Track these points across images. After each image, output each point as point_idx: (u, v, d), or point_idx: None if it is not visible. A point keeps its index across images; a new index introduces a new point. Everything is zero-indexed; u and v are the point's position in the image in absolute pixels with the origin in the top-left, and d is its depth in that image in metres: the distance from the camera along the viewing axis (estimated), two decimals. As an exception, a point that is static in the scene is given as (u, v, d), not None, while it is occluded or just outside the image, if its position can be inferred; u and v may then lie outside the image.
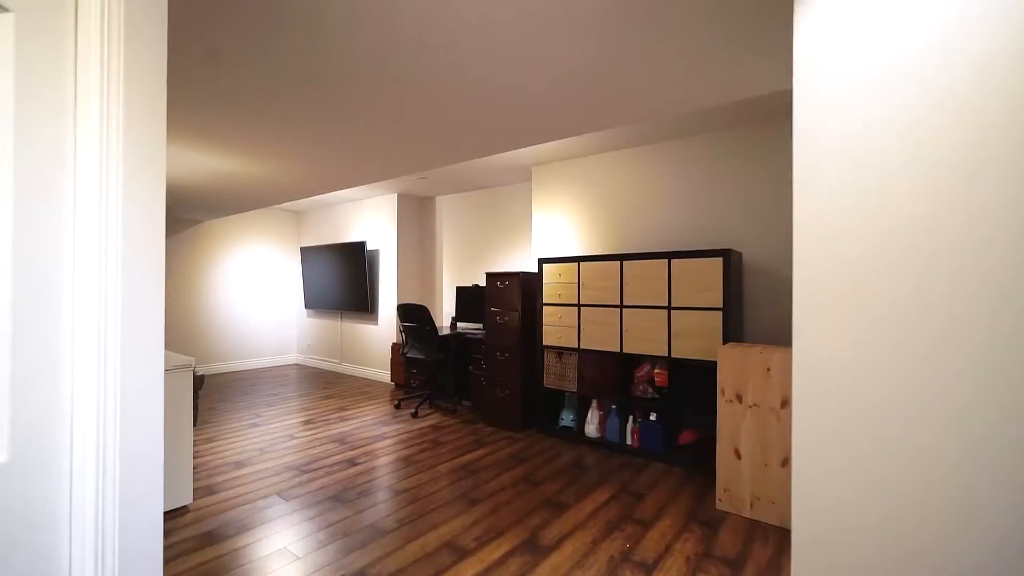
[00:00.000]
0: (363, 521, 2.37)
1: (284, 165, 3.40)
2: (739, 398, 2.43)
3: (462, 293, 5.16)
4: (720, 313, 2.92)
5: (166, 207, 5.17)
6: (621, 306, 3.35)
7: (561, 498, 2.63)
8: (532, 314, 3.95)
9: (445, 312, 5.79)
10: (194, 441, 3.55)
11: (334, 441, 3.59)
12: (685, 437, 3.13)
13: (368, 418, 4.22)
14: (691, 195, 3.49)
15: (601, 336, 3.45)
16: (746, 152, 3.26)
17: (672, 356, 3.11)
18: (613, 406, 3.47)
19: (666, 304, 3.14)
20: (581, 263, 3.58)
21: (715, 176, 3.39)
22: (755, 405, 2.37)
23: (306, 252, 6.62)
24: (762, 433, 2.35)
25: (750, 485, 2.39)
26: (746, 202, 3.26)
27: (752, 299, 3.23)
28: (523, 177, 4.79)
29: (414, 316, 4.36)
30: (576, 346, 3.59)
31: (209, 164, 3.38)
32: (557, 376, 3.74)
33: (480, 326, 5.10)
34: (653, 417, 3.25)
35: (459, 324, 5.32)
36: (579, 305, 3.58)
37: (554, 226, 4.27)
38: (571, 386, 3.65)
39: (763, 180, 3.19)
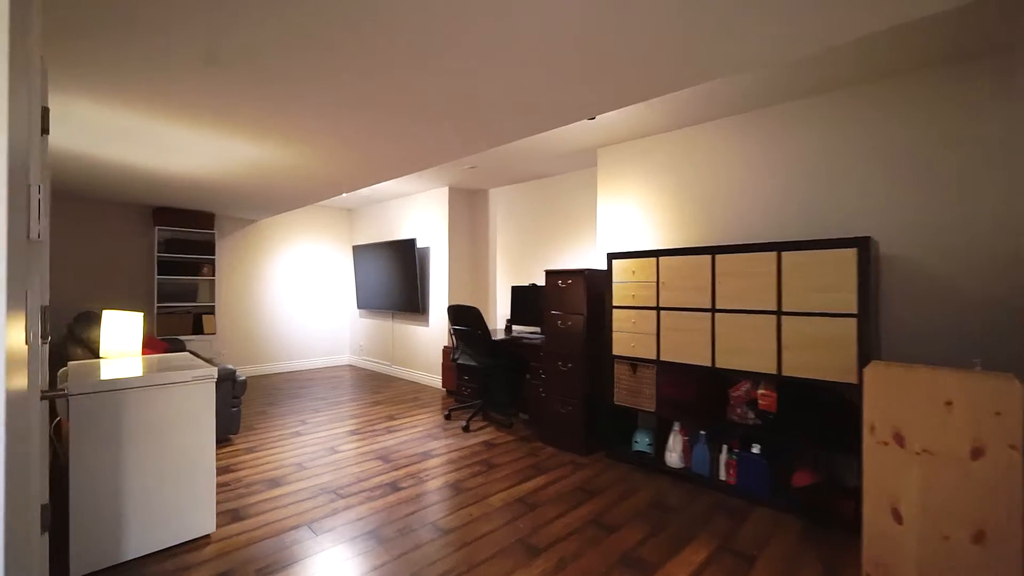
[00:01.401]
0: (400, 571, 1.95)
1: (324, 153, 3.09)
2: (898, 439, 1.76)
3: (518, 293, 4.70)
4: (854, 320, 2.24)
5: (218, 207, 5.10)
6: (712, 310, 2.73)
7: (644, 554, 2.08)
8: (599, 318, 3.40)
9: (499, 314, 5.35)
10: (234, 450, 3.33)
11: (378, 458, 3.23)
12: (800, 478, 2.47)
13: (416, 430, 3.85)
14: (806, 171, 2.80)
15: (686, 346, 2.85)
16: (884, 112, 2.53)
17: (782, 374, 2.46)
18: (701, 432, 2.86)
19: (774, 308, 2.49)
20: (660, 258, 2.99)
21: (839, 145, 2.68)
22: (927, 452, 1.70)
23: (358, 250, 6.44)
24: (939, 492, 1.68)
25: (917, 561, 1.72)
26: (883, 177, 2.53)
27: (890, 303, 2.50)
28: (586, 162, 4.24)
29: (465, 318, 3.95)
30: (654, 357, 3.00)
31: (249, 154, 3.13)
32: (630, 392, 3.17)
33: (538, 330, 4.61)
34: (756, 450, 2.61)
35: (514, 327, 4.86)
36: (658, 308, 2.99)
37: (624, 216, 3.69)
38: (647, 404, 3.07)
39: (908, 147, 2.46)
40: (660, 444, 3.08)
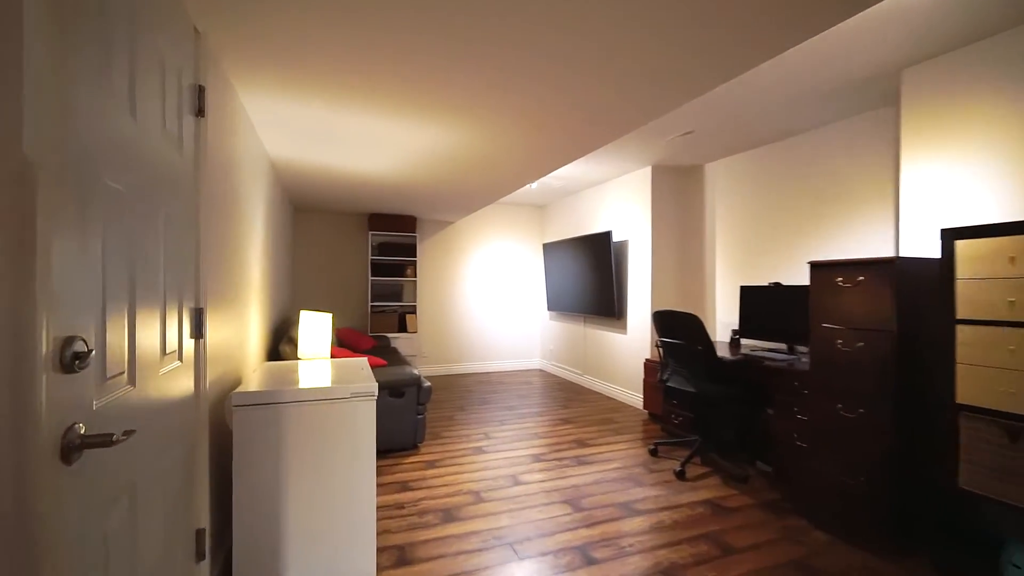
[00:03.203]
0: None
1: (516, 130, 2.58)
2: None
3: (749, 296, 3.50)
4: None
5: (419, 209, 5.23)
6: None
7: None
8: (922, 338, 2.07)
9: (719, 322, 4.18)
10: (416, 462, 3.10)
11: (566, 501, 2.58)
12: None
13: (613, 465, 3.08)
14: None
15: None
16: None
17: None
18: None
19: None
20: (1087, 230, 1.56)
21: None
22: None
23: (548, 248, 6.01)
24: None
25: None
26: None
27: None
28: (872, 100, 2.82)
29: (678, 329, 3.00)
30: (1070, 420, 1.59)
31: (443, 144, 2.85)
32: (999, 473, 1.78)
33: (783, 347, 3.34)
34: None
35: (743, 341, 3.67)
36: (1081, 327, 1.57)
37: (958, 175, 2.22)
38: (1047, 504, 1.65)
39: None
40: (1081, 584, 1.62)
